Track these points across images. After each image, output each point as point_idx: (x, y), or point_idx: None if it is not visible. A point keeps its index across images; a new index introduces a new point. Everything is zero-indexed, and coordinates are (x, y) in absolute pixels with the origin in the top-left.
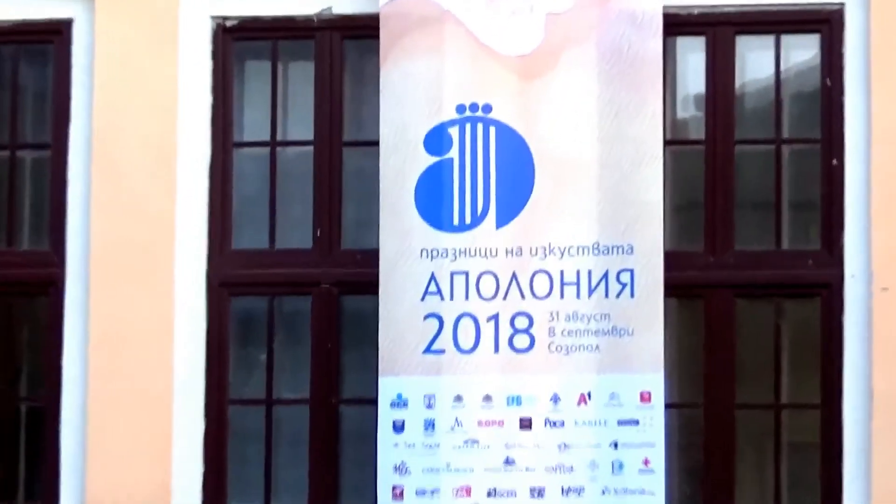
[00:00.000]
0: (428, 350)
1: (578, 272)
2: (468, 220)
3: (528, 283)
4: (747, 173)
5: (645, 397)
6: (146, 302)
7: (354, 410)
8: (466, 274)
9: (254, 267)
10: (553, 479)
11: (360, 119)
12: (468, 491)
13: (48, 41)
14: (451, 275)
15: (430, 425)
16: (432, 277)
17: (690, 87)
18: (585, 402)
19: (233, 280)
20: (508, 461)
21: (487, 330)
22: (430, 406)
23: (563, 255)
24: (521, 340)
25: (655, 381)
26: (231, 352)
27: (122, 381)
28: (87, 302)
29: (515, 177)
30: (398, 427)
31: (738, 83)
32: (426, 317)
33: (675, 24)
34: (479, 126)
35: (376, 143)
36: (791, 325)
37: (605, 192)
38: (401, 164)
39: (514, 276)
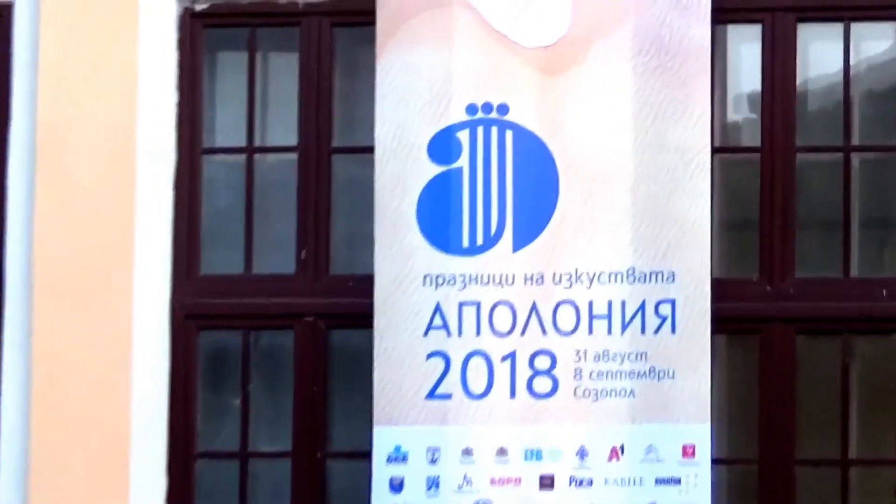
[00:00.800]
0: (432, 395)
1: (610, 303)
2: (480, 240)
3: (550, 315)
4: (811, 187)
5: (688, 451)
6: (98, 336)
7: (344, 466)
8: (478, 305)
9: (226, 295)
10: None
11: (352, 121)
12: None
13: None
14: (460, 305)
15: (433, 484)
16: (437, 308)
17: (744, 84)
18: (618, 458)
19: (201, 311)
20: None
21: (502, 371)
22: (433, 461)
23: (591, 282)
24: (542, 384)
25: (701, 433)
26: (199, 396)
27: (69, 431)
28: (29, 334)
29: (536, 190)
30: (396, 486)
31: (799, 80)
32: (430, 355)
33: (727, 10)
34: (494, 130)
35: (371, 150)
36: (862, 365)
37: (641, 208)
38: (400, 174)
39: (533, 307)
